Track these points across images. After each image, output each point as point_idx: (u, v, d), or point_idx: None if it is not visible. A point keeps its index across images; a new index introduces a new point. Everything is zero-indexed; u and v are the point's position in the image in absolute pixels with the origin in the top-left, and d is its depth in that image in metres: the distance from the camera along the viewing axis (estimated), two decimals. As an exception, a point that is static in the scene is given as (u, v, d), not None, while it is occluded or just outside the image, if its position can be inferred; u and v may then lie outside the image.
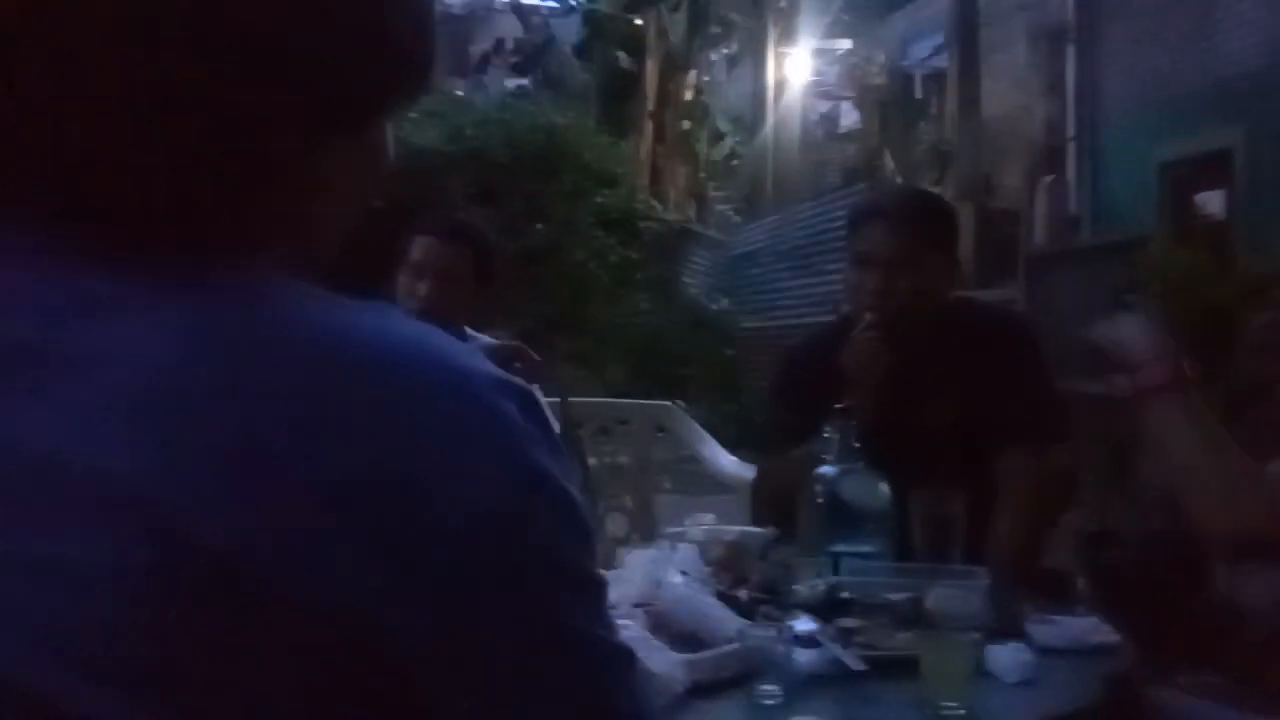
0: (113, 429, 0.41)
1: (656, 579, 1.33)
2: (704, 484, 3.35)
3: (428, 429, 0.43)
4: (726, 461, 3.10)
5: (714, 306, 10.26)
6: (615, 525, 2.87)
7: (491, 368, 0.46)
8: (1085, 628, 1.28)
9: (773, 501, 1.96)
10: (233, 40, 0.46)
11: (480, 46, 12.88)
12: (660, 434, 3.32)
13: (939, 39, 9.07)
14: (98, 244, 0.45)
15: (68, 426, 0.41)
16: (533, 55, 12.03)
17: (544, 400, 2.17)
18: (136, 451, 0.40)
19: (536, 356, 1.87)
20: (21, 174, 0.46)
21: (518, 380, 0.46)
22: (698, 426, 3.32)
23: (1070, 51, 7.20)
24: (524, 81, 11.99)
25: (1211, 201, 6.26)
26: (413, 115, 8.61)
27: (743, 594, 1.37)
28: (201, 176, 0.47)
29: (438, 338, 0.47)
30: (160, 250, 0.45)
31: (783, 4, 10.97)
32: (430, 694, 0.42)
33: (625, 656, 0.48)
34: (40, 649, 0.39)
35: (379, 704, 0.41)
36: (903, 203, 2.12)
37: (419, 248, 1.93)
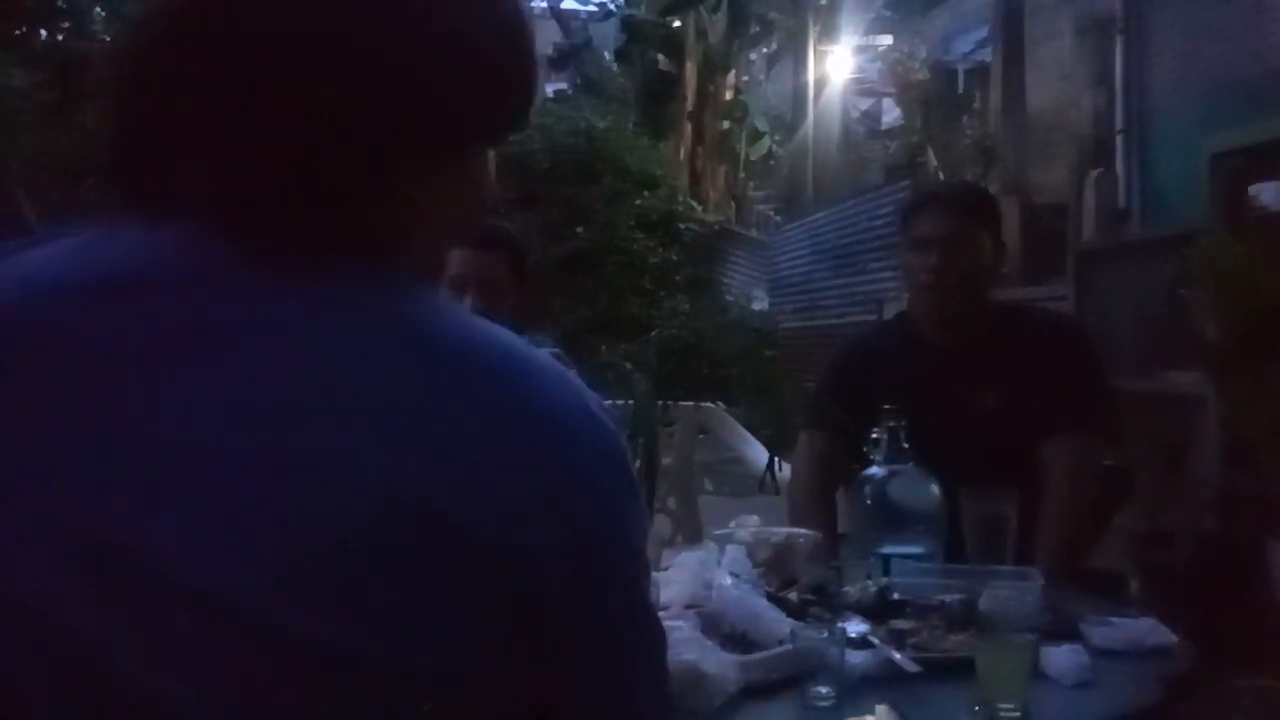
0: (331, 406, 0.51)
1: (706, 580, 1.34)
2: (747, 485, 3.34)
3: (576, 446, 0.55)
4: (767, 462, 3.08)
5: (754, 307, 10.23)
6: (660, 527, 2.87)
7: (597, 396, 0.58)
8: (1143, 629, 1.26)
9: (809, 495, 1.96)
10: (356, 70, 0.52)
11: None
12: (702, 436, 3.32)
13: (982, 33, 8.95)
14: (265, 252, 0.53)
15: (291, 399, 0.51)
16: (568, 55, 12.07)
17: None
18: (352, 427, 0.50)
19: (568, 364, 1.88)
20: (182, 188, 0.53)
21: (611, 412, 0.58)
22: (740, 428, 3.32)
23: (1118, 42, 7.06)
24: (563, 86, 12.03)
25: (1265, 193, 6.11)
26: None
27: (793, 595, 1.37)
28: (333, 197, 0.54)
29: (565, 369, 0.57)
30: (312, 259, 0.53)
31: (823, 1, 10.89)
32: (556, 637, 0.54)
33: (665, 637, 0.62)
34: (263, 574, 0.48)
35: (519, 637, 0.52)
36: (954, 190, 2.39)
37: (456, 260, 1.94)
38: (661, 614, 1.26)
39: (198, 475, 0.49)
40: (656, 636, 0.60)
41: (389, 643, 0.49)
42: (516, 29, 0.59)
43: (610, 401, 0.69)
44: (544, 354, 0.57)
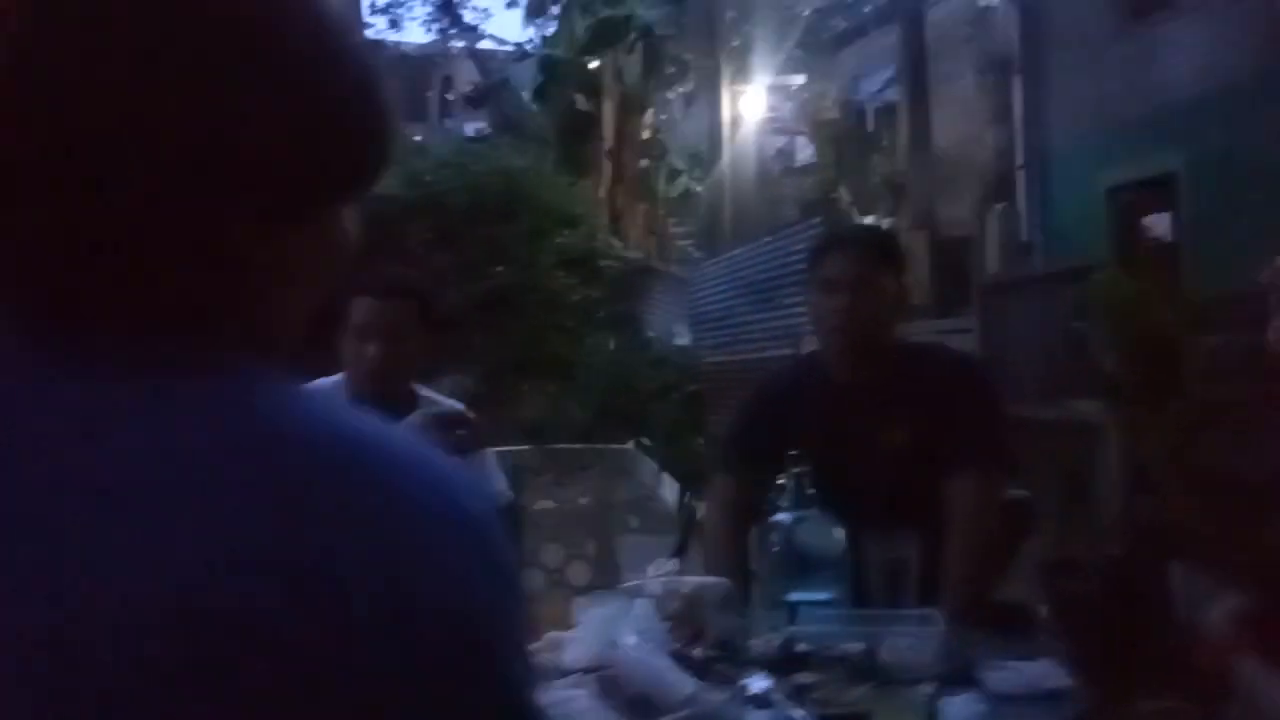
0: (132, 516, 0.45)
1: (611, 639, 1.31)
2: (670, 521, 3.33)
3: (428, 543, 0.48)
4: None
5: (677, 342, 10.29)
6: (577, 573, 2.84)
7: (461, 471, 0.52)
8: (1039, 673, 1.28)
9: (722, 539, 1.96)
10: (181, 140, 0.48)
11: (436, 91, 12.93)
12: (622, 477, 3.31)
13: (890, 72, 9.24)
14: (75, 345, 0.48)
15: (83, 511, 0.45)
16: (485, 94, 12.09)
17: (492, 459, 2.11)
18: (160, 538, 0.44)
19: (474, 421, 1.85)
20: None
21: (481, 481, 0.54)
22: (657, 469, 3.32)
23: (1017, 82, 7.36)
24: (482, 125, 12.04)
25: (1158, 224, 6.39)
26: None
27: (697, 652, 1.35)
28: (159, 271, 0.49)
29: (424, 450, 0.52)
30: (138, 344, 0.48)
31: (736, 42, 11.12)
32: None
33: None
34: (52, 712, 0.42)
35: None
36: (858, 233, 2.43)
37: (360, 309, 1.90)
38: (560, 680, 1.23)
39: None
40: None
41: None
42: (367, 82, 0.54)
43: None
44: (412, 444, 0.51)
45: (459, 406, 1.97)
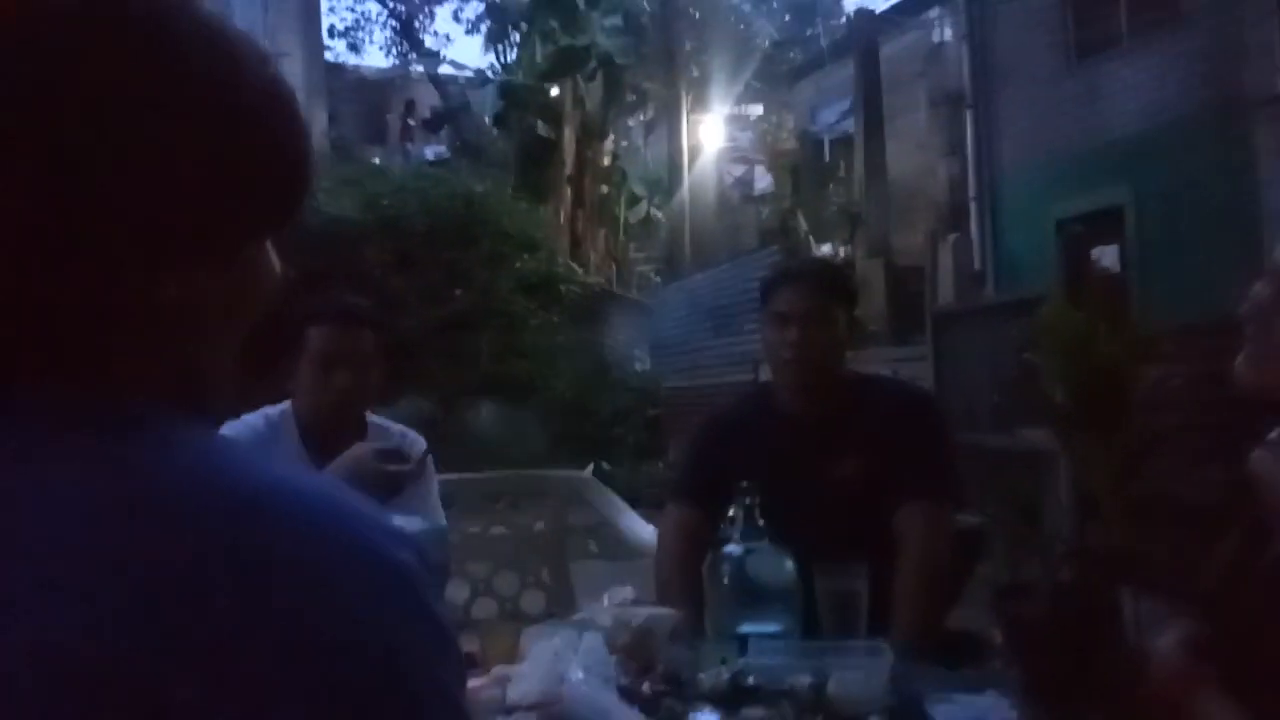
0: (24, 577, 0.43)
1: (559, 674, 1.30)
2: (628, 548, 3.32)
3: (340, 587, 0.47)
4: (644, 531, 3.07)
5: (636, 367, 10.30)
6: (531, 602, 2.81)
7: (390, 524, 0.50)
8: (984, 707, 1.29)
9: (674, 568, 1.96)
10: (78, 186, 0.46)
11: (396, 115, 12.90)
12: (577, 505, 3.28)
13: (846, 104, 9.40)
14: None
15: None
16: (445, 119, 12.08)
17: (435, 487, 2.07)
18: (52, 598, 0.42)
19: (422, 452, 1.83)
20: None
21: (406, 531, 0.51)
22: (613, 496, 3.30)
23: (968, 116, 7.52)
24: (442, 149, 12.02)
25: (1105, 256, 6.54)
26: (327, 185, 8.56)
27: (646, 687, 1.34)
28: (65, 320, 0.47)
29: (342, 497, 0.50)
30: (47, 397, 0.47)
31: (695, 72, 11.26)
32: None
33: None
34: None
35: None
36: (810, 266, 2.47)
37: (322, 338, 1.88)
38: (508, 718, 1.22)
39: None
40: None
41: None
42: (277, 113, 0.52)
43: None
44: (323, 488, 0.49)
45: (409, 434, 1.95)
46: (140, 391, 0.49)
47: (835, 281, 2.10)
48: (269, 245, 0.55)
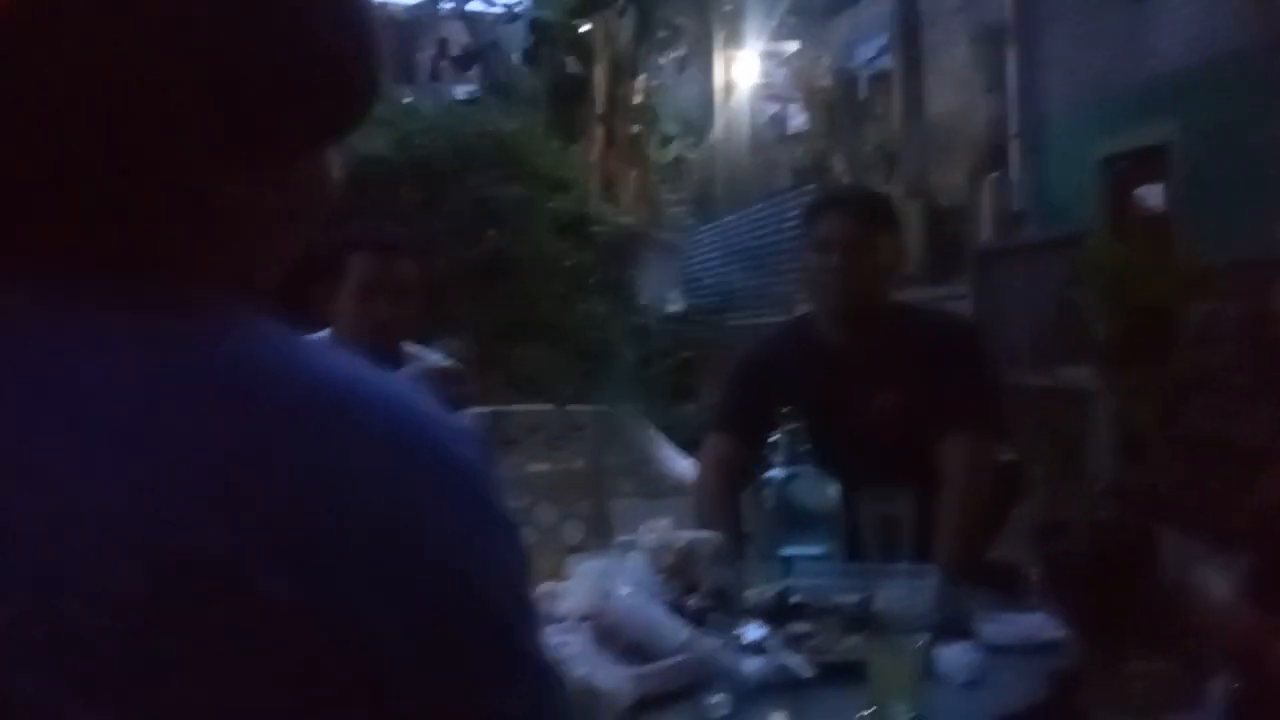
0: (107, 459, 0.43)
1: (606, 590, 1.31)
2: (663, 485, 3.34)
3: (408, 481, 0.47)
4: (681, 465, 3.09)
5: (669, 309, 10.27)
6: (571, 532, 2.85)
7: (452, 417, 0.50)
8: (1033, 624, 1.29)
9: (715, 497, 1.97)
10: (157, 72, 0.46)
11: (427, 53, 12.78)
12: (617, 440, 3.30)
13: (883, 40, 9.17)
14: (47, 276, 0.46)
15: (54, 452, 0.43)
16: (473, 56, 11.94)
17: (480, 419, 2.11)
18: (125, 476, 0.43)
19: (469, 378, 1.84)
20: None
21: (472, 428, 0.51)
22: (652, 431, 3.32)
23: (1011, 50, 7.31)
24: (473, 88, 11.91)
25: (1151, 195, 6.39)
26: (359, 124, 8.49)
27: (692, 602, 1.36)
28: (134, 207, 0.47)
29: (408, 391, 0.50)
30: (111, 281, 0.47)
31: (729, 7, 11.00)
32: (405, 709, 0.46)
33: (562, 685, 0.53)
34: (33, 665, 0.41)
35: (355, 712, 0.45)
36: (854, 193, 2.45)
37: (364, 266, 1.87)
38: (555, 627, 1.24)
39: None
40: (541, 694, 0.50)
41: None
42: (349, 18, 0.52)
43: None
44: (386, 378, 0.49)
45: (451, 362, 1.96)
46: (208, 286, 0.49)
47: (879, 209, 2.07)
48: (330, 154, 0.54)
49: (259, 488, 0.44)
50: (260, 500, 0.44)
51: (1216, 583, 1.40)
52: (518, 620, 0.50)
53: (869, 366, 1.94)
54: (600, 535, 2.79)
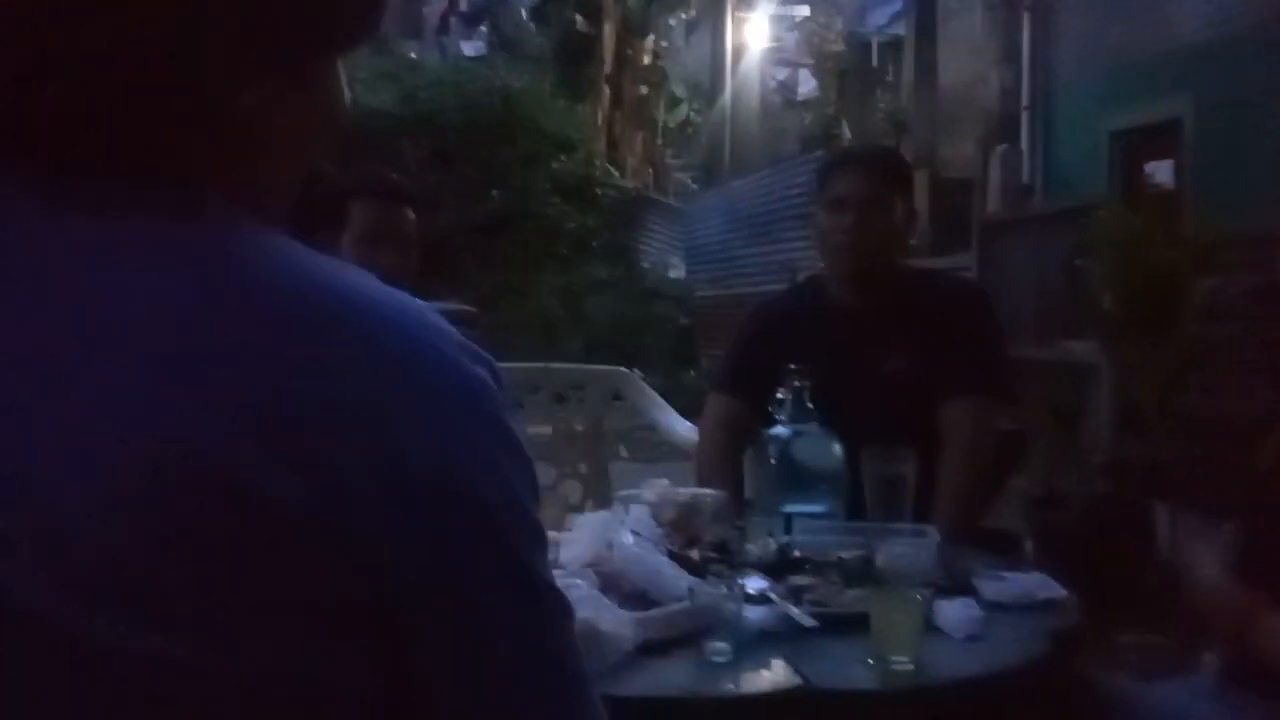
0: (117, 366, 0.43)
1: (608, 540, 1.32)
2: (661, 451, 3.34)
3: (414, 391, 0.47)
4: (682, 427, 3.08)
5: (671, 274, 10.25)
6: (570, 491, 2.85)
7: (467, 340, 0.50)
8: (1033, 583, 1.29)
9: (716, 456, 1.97)
10: None
11: (435, 7, 12.63)
12: (616, 401, 3.29)
13: (896, 6, 9.06)
14: (57, 186, 0.46)
15: (69, 356, 0.44)
16: (481, 12, 11.80)
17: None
18: (143, 387, 0.43)
19: (478, 317, 1.84)
20: None
21: (484, 351, 0.50)
22: (653, 392, 3.31)
23: (1025, 20, 7.23)
24: (480, 45, 11.78)
25: (1160, 170, 6.35)
26: (364, 77, 8.44)
27: (694, 553, 1.36)
28: (142, 116, 0.47)
29: (419, 306, 0.50)
30: (123, 190, 0.47)
31: (740, -31, 10.88)
32: (406, 621, 0.46)
33: (570, 610, 0.52)
34: (40, 568, 0.41)
35: (360, 625, 0.45)
36: (870, 152, 2.40)
37: (367, 213, 1.86)
38: (558, 572, 1.24)
39: None
40: (548, 614, 0.49)
41: (194, 643, 0.42)
42: None
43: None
44: (398, 295, 0.49)
45: (464, 306, 1.95)
46: (218, 197, 0.49)
47: (895, 168, 2.05)
48: (339, 72, 0.54)
49: (264, 395, 0.44)
50: (265, 408, 0.44)
51: (1206, 558, 1.41)
52: (525, 539, 0.49)
53: (878, 328, 1.93)
54: (599, 496, 2.80)
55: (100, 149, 0.47)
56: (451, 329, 0.50)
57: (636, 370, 4.25)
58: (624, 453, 3.72)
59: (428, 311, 0.50)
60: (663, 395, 3.28)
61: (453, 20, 12.31)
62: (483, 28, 12.21)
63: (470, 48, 11.79)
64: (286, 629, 0.44)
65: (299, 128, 0.52)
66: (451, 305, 1.81)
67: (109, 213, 0.46)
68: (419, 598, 0.46)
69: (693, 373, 8.52)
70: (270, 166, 0.52)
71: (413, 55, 9.96)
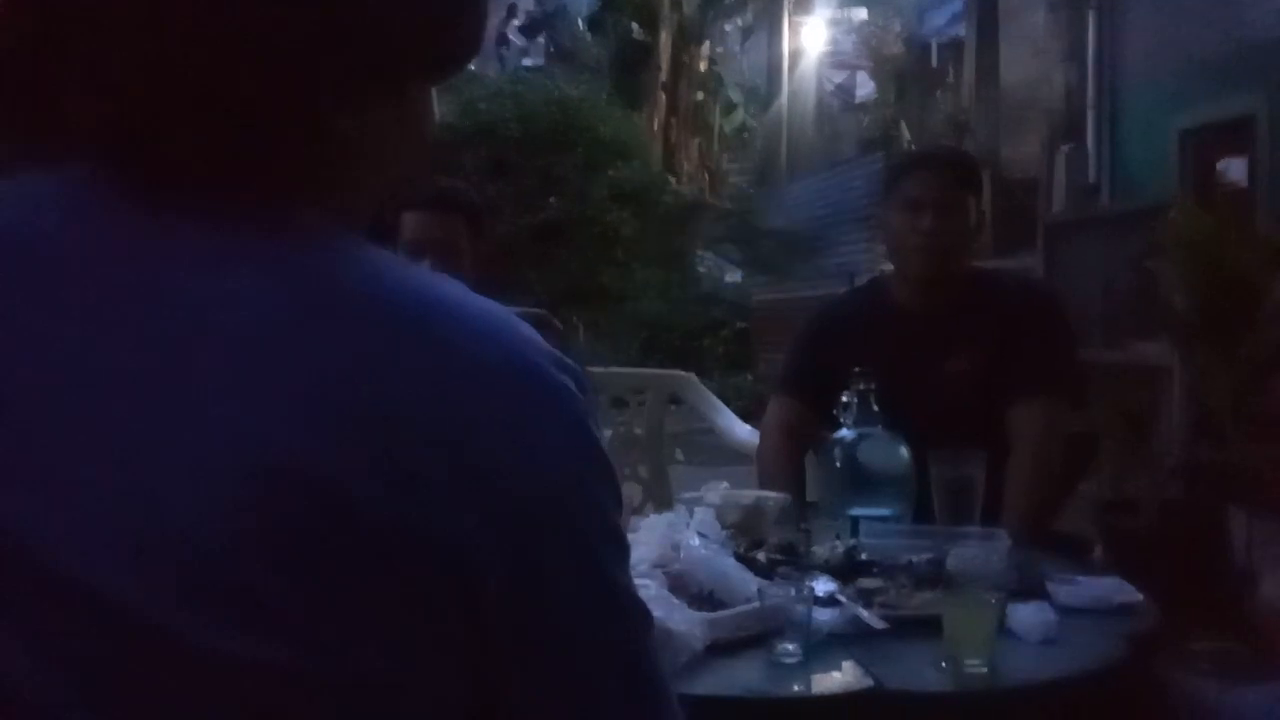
0: (222, 374, 0.45)
1: (675, 542, 1.33)
2: (718, 455, 3.35)
3: (503, 400, 0.48)
4: (742, 431, 3.09)
5: (727, 279, 10.23)
6: (630, 494, 2.87)
7: (551, 347, 0.50)
8: (1108, 587, 1.27)
9: (779, 458, 1.96)
10: (283, 5, 0.47)
11: (493, 19, 12.78)
12: (674, 406, 3.30)
13: (957, 7, 8.94)
14: (164, 195, 0.48)
15: (177, 368, 0.45)
16: (539, 23, 11.91)
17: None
18: (246, 395, 0.44)
19: (559, 324, 1.86)
20: (74, 121, 0.48)
21: (571, 360, 0.51)
22: (713, 396, 3.31)
23: (1090, 17, 7.07)
24: (540, 61, 11.89)
25: (1232, 169, 6.16)
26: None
27: (761, 555, 1.37)
28: (248, 132, 0.48)
29: (508, 315, 0.50)
30: (227, 204, 0.48)
31: (796, -27, 10.83)
32: (492, 629, 0.47)
33: (650, 619, 0.52)
34: (144, 572, 0.43)
35: (448, 633, 0.46)
36: (944, 153, 2.43)
37: (412, 224, 1.89)
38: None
39: (77, 459, 0.43)
40: (631, 624, 0.50)
41: (293, 647, 0.43)
42: None
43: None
44: (487, 304, 0.50)
45: (540, 310, 1.98)
46: (310, 209, 0.51)
47: (968, 169, 2.03)
48: (431, 93, 0.56)
49: (360, 406, 0.45)
50: (361, 418, 0.45)
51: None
52: (608, 549, 0.50)
53: (944, 329, 1.92)
54: (659, 499, 2.81)
55: (201, 162, 0.48)
56: (539, 337, 0.51)
57: (692, 376, 4.26)
58: (680, 456, 3.72)
59: (515, 320, 0.51)
60: (720, 399, 3.28)
61: (511, 32, 12.46)
62: (540, 39, 12.33)
63: (528, 59, 11.91)
64: (379, 635, 0.45)
65: (391, 148, 0.54)
66: (530, 310, 1.84)
67: (207, 224, 0.48)
68: (504, 606, 0.47)
69: (749, 376, 8.49)
70: (359, 183, 0.54)
71: (471, 67, 10.09)
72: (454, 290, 0.50)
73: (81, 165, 0.48)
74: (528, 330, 0.50)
